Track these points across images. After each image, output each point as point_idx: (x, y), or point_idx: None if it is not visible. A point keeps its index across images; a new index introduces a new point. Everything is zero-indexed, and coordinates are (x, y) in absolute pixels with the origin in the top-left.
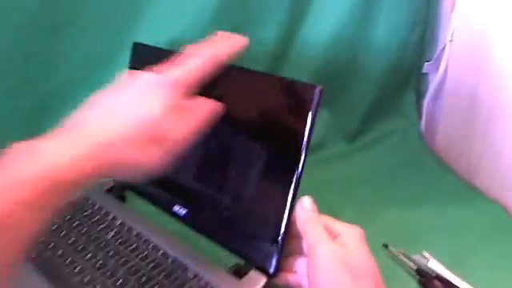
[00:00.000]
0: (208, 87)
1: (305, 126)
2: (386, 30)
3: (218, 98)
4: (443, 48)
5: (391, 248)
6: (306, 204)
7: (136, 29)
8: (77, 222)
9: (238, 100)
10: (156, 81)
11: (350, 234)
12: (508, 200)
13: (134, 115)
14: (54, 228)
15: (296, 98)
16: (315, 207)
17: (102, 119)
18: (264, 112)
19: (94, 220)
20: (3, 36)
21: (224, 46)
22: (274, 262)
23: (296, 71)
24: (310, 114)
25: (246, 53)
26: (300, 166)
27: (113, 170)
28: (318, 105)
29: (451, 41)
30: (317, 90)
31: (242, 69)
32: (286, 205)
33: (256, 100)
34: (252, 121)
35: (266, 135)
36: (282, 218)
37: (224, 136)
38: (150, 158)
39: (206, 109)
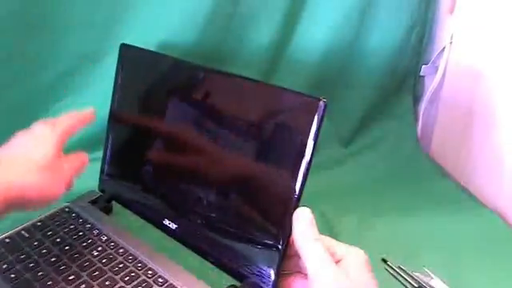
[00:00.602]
0: (201, 92)
1: (308, 140)
2: (383, 33)
3: (220, 108)
4: (441, 51)
5: (390, 263)
6: (304, 217)
7: (125, 30)
8: (59, 239)
9: (240, 111)
10: (49, 129)
11: (354, 260)
12: (503, 206)
13: (36, 154)
14: (34, 244)
15: (297, 110)
16: (314, 221)
17: (7, 160)
18: (266, 124)
19: (77, 236)
20: None
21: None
22: (271, 283)
23: (291, 76)
24: (315, 126)
25: (238, 57)
26: (301, 182)
27: (20, 202)
28: (322, 118)
29: (451, 43)
30: (321, 103)
31: (245, 78)
32: (285, 223)
33: (259, 111)
34: (254, 133)
35: (271, 147)
36: (281, 235)
37: (223, 148)
38: (48, 185)
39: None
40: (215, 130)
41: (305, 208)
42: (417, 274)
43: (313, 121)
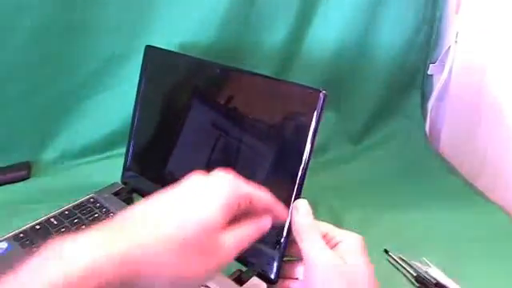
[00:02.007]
0: (217, 91)
1: (309, 131)
2: (392, 32)
3: (226, 101)
4: (448, 49)
5: (391, 253)
6: (301, 208)
7: (149, 32)
8: (84, 226)
9: (244, 104)
10: (223, 182)
11: (350, 244)
12: (511, 202)
13: (187, 219)
14: (62, 231)
15: (300, 102)
16: (311, 211)
17: (147, 219)
18: (269, 116)
19: (100, 223)
20: (19, 38)
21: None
22: (274, 268)
23: (303, 73)
24: (314, 118)
25: (254, 55)
26: (303, 170)
27: (144, 280)
28: (321, 109)
29: (456, 42)
30: (321, 95)
31: (248, 73)
32: (288, 209)
33: (261, 104)
34: (257, 124)
35: (271, 138)
36: (284, 222)
37: (229, 139)
38: (194, 271)
39: (259, 227)
40: (230, 125)
41: (302, 199)
42: (415, 263)
43: (313, 112)
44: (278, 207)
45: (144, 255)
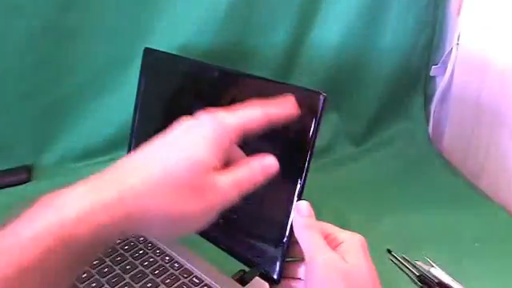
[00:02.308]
0: (216, 94)
1: (309, 133)
2: (394, 33)
3: (226, 104)
4: (450, 51)
5: (394, 253)
6: (302, 209)
7: (148, 34)
8: None
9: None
10: (206, 121)
11: (351, 244)
12: None
13: (174, 159)
14: None
15: (301, 104)
16: (312, 212)
17: (136, 165)
18: None
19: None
20: (15, 41)
21: (278, 108)
22: (277, 268)
23: (304, 75)
24: (314, 120)
25: (254, 58)
26: (304, 172)
27: (138, 223)
28: (322, 112)
29: (458, 44)
30: (321, 97)
31: (248, 75)
32: (290, 210)
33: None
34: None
35: (271, 141)
36: (287, 223)
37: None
38: (189, 212)
39: (262, 167)
40: None
41: (303, 201)
42: (418, 262)
43: (314, 114)
44: (277, 108)
45: (136, 198)
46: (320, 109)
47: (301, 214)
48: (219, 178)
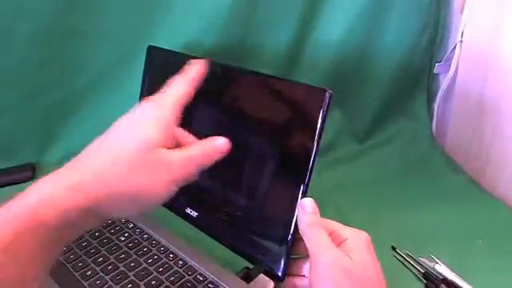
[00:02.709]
0: (220, 90)
1: (315, 130)
2: (397, 31)
3: (230, 101)
4: (453, 48)
5: (399, 250)
6: (307, 206)
7: (152, 33)
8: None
9: (249, 103)
10: (148, 105)
11: (356, 241)
12: None
13: (124, 140)
14: None
15: (306, 101)
16: (317, 209)
17: (93, 150)
18: (274, 115)
19: (106, 223)
20: (19, 41)
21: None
22: (282, 265)
23: (308, 73)
24: (320, 117)
25: (257, 57)
26: (309, 169)
27: (99, 203)
28: (327, 109)
29: (461, 41)
30: (327, 94)
31: (253, 72)
32: (294, 207)
33: (267, 103)
34: (262, 123)
35: (277, 138)
36: (291, 220)
37: (234, 138)
38: (144, 186)
39: (215, 144)
40: (235, 125)
41: (307, 198)
42: (423, 259)
43: (319, 111)
44: (192, 72)
45: (97, 180)
46: (326, 106)
47: (305, 211)
48: (171, 154)
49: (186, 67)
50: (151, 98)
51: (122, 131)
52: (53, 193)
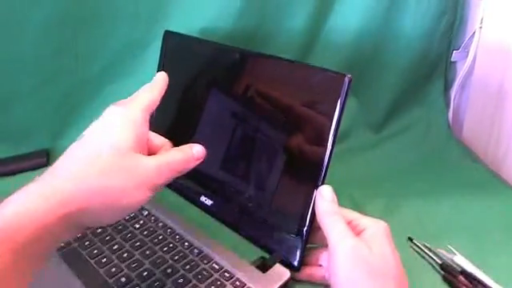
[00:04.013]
0: (237, 75)
1: (333, 116)
2: (415, 18)
3: (247, 87)
4: (472, 35)
5: (416, 241)
6: (326, 194)
7: (167, 18)
8: None
9: (266, 88)
10: (119, 110)
11: (375, 231)
12: None
13: (97, 146)
14: None
15: (324, 86)
16: (335, 198)
17: (71, 157)
18: (291, 101)
19: None
20: (33, 28)
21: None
22: (298, 255)
23: (323, 60)
24: (339, 103)
25: (273, 42)
26: (327, 156)
27: (83, 210)
28: (346, 94)
29: (480, 28)
30: (346, 79)
31: (270, 57)
32: (311, 197)
33: (283, 88)
34: (279, 110)
35: (293, 124)
36: (308, 210)
37: (250, 126)
38: (120, 191)
39: (192, 152)
40: (252, 110)
41: (326, 186)
42: (440, 250)
43: (338, 97)
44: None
45: (73, 187)
46: (345, 91)
47: (324, 199)
48: (147, 160)
49: (155, 77)
50: (120, 102)
51: (94, 137)
52: (28, 204)
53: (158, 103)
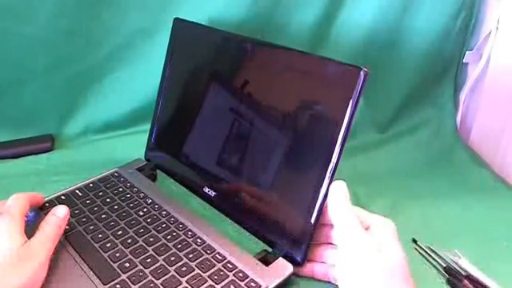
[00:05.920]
0: (247, 66)
1: (345, 111)
2: (429, 16)
3: (257, 78)
4: (486, 37)
5: (420, 243)
6: (340, 190)
7: (177, 5)
8: (108, 199)
9: (276, 80)
10: (4, 221)
11: (384, 228)
12: None
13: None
14: (87, 202)
15: (338, 79)
16: (348, 194)
17: None
18: (303, 93)
19: (125, 197)
20: (44, 12)
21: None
22: (302, 251)
23: (333, 54)
24: (353, 98)
25: (284, 35)
26: (338, 151)
27: None
28: (361, 89)
29: (497, 28)
30: (362, 73)
31: (282, 47)
32: (319, 192)
33: (295, 80)
34: (290, 102)
35: (304, 118)
36: (315, 205)
37: (258, 118)
38: (27, 280)
39: (57, 218)
40: (260, 102)
41: (341, 181)
42: (445, 253)
43: (352, 91)
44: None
45: None
46: (360, 85)
47: (337, 195)
48: (30, 244)
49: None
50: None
51: None
52: None
53: (27, 209)
